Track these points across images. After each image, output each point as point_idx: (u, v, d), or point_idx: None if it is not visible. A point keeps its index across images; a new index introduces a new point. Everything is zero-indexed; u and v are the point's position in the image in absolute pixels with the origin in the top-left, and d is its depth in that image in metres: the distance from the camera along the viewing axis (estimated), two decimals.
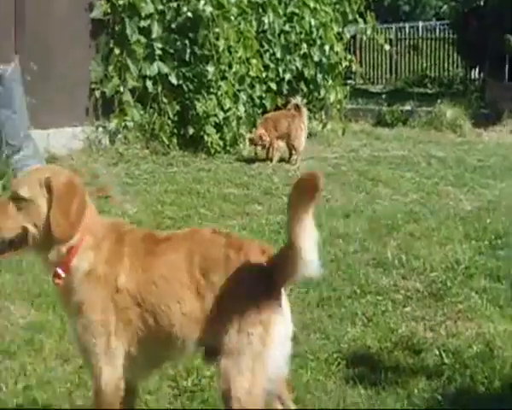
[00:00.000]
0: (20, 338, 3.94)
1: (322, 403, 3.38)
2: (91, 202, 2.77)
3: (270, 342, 2.51)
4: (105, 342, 2.58)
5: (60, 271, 2.62)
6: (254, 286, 2.54)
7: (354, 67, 13.61)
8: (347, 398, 3.42)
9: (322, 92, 11.62)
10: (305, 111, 9.48)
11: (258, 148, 9.27)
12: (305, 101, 10.92)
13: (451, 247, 5.68)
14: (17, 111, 7.19)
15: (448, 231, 6.13)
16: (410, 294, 4.76)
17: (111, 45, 8.91)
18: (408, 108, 13.66)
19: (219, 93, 9.45)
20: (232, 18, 9.62)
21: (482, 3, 14.80)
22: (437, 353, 3.87)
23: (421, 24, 28.38)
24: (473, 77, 17.92)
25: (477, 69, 17.36)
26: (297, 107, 9.43)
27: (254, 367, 2.48)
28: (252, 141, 9.30)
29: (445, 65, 19.23)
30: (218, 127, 9.45)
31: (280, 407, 2.81)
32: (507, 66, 14.66)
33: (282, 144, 9.33)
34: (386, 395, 3.43)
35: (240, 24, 9.93)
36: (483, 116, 13.48)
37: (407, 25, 27.15)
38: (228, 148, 9.58)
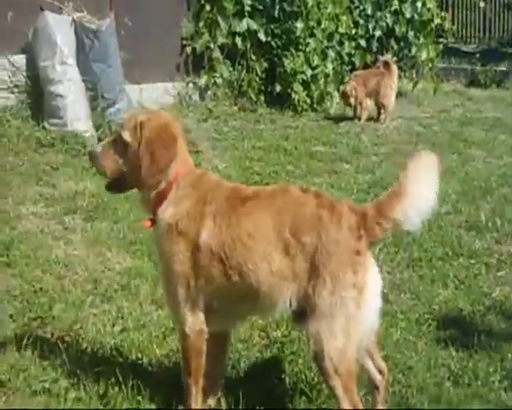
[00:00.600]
0: (116, 283, 4.10)
1: (413, 362, 3.36)
2: (186, 151, 2.81)
3: (364, 304, 2.51)
4: (185, 292, 2.64)
5: (151, 216, 2.71)
6: (348, 248, 2.51)
7: (446, 25, 13.12)
8: (438, 359, 3.39)
9: (414, 50, 11.28)
10: (395, 69, 9.23)
11: (351, 100, 8.99)
12: (395, 59, 10.64)
13: None
14: (112, 65, 7.35)
15: None
16: (504, 258, 4.65)
17: (202, 2, 8.93)
18: (503, 68, 13.07)
19: (307, 50, 9.33)
20: None
21: None
22: None
23: None
24: None
25: None
26: (387, 64, 9.20)
27: (348, 329, 2.48)
28: (343, 94, 9.09)
29: None
30: (306, 85, 9.35)
31: (370, 363, 2.82)
32: None
33: (370, 103, 9.13)
34: (479, 358, 3.37)
35: None
36: None
37: None
38: (315, 106, 9.48)
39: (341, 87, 9.33)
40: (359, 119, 9.03)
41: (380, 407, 2.84)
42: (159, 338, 3.46)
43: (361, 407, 2.53)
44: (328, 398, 2.84)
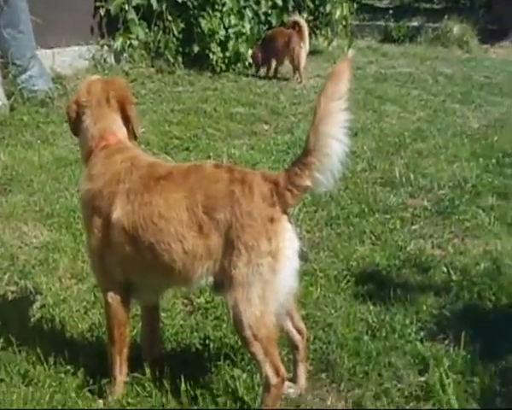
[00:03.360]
0: (34, 259, 4.00)
1: (332, 319, 3.46)
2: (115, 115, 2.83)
3: (279, 270, 2.53)
4: (103, 265, 2.68)
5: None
6: (260, 217, 2.52)
7: None
8: (357, 314, 3.51)
9: (328, 8, 11.33)
10: (305, 28, 9.28)
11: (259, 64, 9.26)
12: (311, 17, 10.70)
13: (459, 165, 5.70)
14: (23, 31, 7.04)
15: (455, 149, 6.13)
16: (418, 212, 4.81)
17: None
18: (415, 24, 13.37)
19: (224, 10, 9.24)
20: None
21: None
22: (445, 270, 3.95)
23: None
24: None
25: None
26: (296, 24, 9.26)
27: (265, 296, 2.52)
28: (254, 61, 9.31)
29: None
30: (224, 45, 9.28)
31: (289, 324, 2.89)
32: None
33: (275, 62, 9.31)
34: (395, 311, 3.50)
35: None
36: (490, 32, 13.21)
37: None
38: (233, 66, 9.44)
39: (249, 53, 9.42)
40: (274, 77, 9.13)
41: (300, 366, 2.93)
42: (80, 313, 3.42)
43: (283, 371, 2.60)
44: (251, 360, 2.90)
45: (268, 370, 2.57)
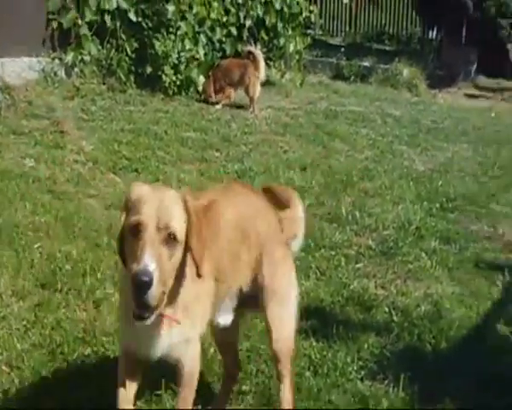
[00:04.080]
0: None
1: None
2: None
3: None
4: None
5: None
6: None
7: (314, 18, 13.49)
8: (300, 349, 3.52)
9: (282, 41, 11.49)
10: (260, 58, 9.39)
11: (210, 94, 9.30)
12: (264, 49, 10.83)
13: (404, 206, 5.82)
14: None
15: (401, 191, 6.27)
16: (363, 250, 4.88)
17: None
18: (366, 64, 13.68)
19: (179, 33, 9.27)
20: None
21: None
22: (387, 310, 4.01)
23: None
24: (430, 37, 17.96)
25: (435, 30, 17.41)
26: (251, 54, 9.37)
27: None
28: (205, 93, 9.34)
29: (404, 23, 19.15)
30: (177, 68, 9.28)
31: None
32: (464, 29, 14.80)
33: (233, 93, 9.35)
34: (338, 348, 3.54)
35: None
36: (438, 77, 13.66)
37: None
38: (186, 90, 9.44)
39: (201, 79, 9.46)
40: (217, 103, 9.17)
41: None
42: (20, 331, 3.32)
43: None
44: None
45: (287, 385, 2.78)
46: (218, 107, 9.13)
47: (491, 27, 14.11)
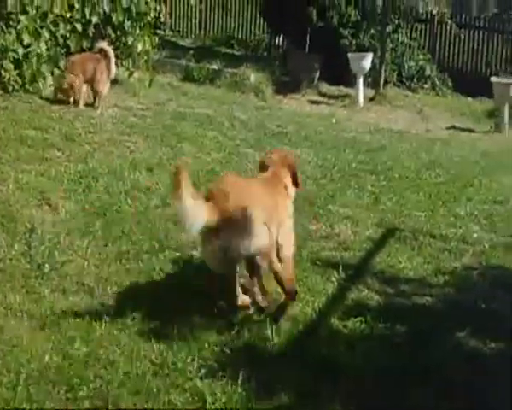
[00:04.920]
0: None
1: (116, 356, 3.42)
2: None
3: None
4: None
5: None
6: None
7: (163, 18, 13.46)
8: (140, 351, 3.50)
9: (130, 40, 11.31)
10: (112, 56, 9.21)
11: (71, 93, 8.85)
12: (112, 47, 10.61)
13: None
14: None
15: None
16: None
17: None
18: (215, 67, 13.82)
19: (19, 27, 8.84)
20: None
21: None
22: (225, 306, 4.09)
23: None
24: (277, 44, 18.52)
25: (281, 37, 17.97)
26: (103, 51, 9.16)
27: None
28: (62, 91, 8.87)
29: (252, 28, 19.62)
30: (17, 63, 8.84)
31: None
32: (308, 38, 15.42)
33: (86, 89, 9.03)
34: (179, 348, 3.56)
35: None
36: (284, 83, 14.12)
37: None
38: (27, 86, 9.01)
39: (51, 82, 9.03)
40: (77, 104, 8.81)
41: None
42: None
43: None
44: None
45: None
46: (79, 107, 8.78)
47: (334, 37, 14.79)
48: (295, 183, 4.42)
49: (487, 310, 4.53)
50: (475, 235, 5.96)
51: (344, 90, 14.12)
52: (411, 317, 4.28)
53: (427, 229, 5.99)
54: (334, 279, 4.72)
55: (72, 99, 8.86)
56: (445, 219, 6.33)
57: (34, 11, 9.04)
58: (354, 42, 14.94)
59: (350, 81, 14.20)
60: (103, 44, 9.36)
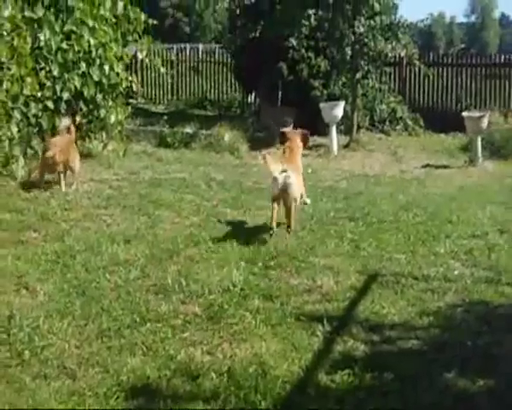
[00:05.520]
0: None
1: None
2: None
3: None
4: None
5: None
6: None
7: (135, 87, 13.61)
8: None
9: (103, 112, 11.43)
10: (73, 130, 9.31)
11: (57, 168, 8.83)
12: (84, 120, 10.71)
13: (228, 268, 5.93)
14: None
15: (225, 254, 6.39)
16: (189, 318, 4.89)
17: None
18: (189, 130, 13.98)
19: None
20: (5, 33, 9.11)
21: (258, 34, 15.62)
22: (213, 376, 4.03)
23: (201, 46, 29.34)
24: (250, 101, 18.82)
25: (253, 94, 18.27)
26: (68, 128, 9.25)
27: None
28: (45, 167, 8.85)
29: (224, 88, 19.95)
30: None
31: None
32: (279, 92, 15.67)
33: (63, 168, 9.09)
34: None
35: (13, 40, 9.43)
36: (259, 139, 14.28)
37: (188, 46, 27.87)
38: (2, 170, 9.04)
39: (21, 164, 9.05)
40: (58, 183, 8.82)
41: None
42: None
43: None
44: None
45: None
46: (74, 188, 8.77)
47: (305, 89, 15.03)
48: (304, 143, 8.01)
49: (473, 347, 4.51)
50: (456, 272, 5.98)
51: (318, 139, 14.28)
52: (398, 363, 4.25)
53: (409, 271, 6.01)
54: (319, 333, 4.69)
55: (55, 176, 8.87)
56: (426, 259, 6.36)
57: (4, 94, 9.13)
58: (325, 92, 15.22)
59: (323, 130, 14.37)
60: (66, 122, 9.43)
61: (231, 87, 19.74)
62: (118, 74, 11.76)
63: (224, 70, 19.62)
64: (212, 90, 19.94)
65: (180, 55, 21.03)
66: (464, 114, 13.60)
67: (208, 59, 20.60)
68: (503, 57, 18.06)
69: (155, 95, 20.32)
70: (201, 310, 5.05)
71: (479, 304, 5.27)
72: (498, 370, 4.21)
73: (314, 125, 14.74)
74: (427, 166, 12.55)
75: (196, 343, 4.51)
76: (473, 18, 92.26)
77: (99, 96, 11.38)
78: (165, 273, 5.77)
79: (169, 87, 20.22)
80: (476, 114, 13.51)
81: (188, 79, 20.25)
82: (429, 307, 5.17)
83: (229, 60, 18.98)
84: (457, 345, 4.52)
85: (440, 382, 4.02)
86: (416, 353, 4.44)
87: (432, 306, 5.21)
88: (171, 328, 4.71)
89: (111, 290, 5.33)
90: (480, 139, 12.72)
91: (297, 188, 7.07)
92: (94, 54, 11.16)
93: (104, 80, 11.42)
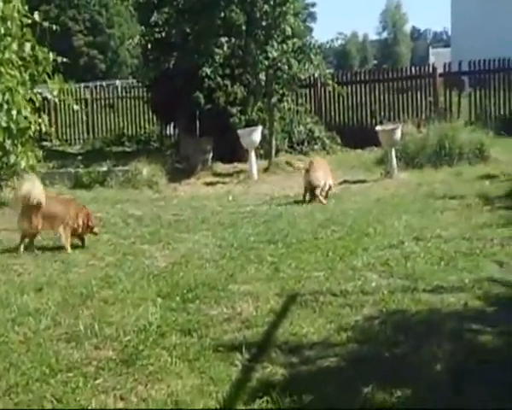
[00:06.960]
0: None
1: None
2: None
3: None
4: None
5: None
6: None
7: (45, 129, 13.28)
8: None
9: (13, 158, 11.07)
10: None
11: None
12: None
13: (145, 307, 5.76)
14: None
15: (142, 292, 6.22)
16: (102, 364, 4.68)
17: None
18: (105, 168, 13.72)
19: None
20: None
21: (171, 66, 15.52)
22: None
23: (118, 82, 29.11)
24: (168, 133, 18.70)
25: (171, 126, 18.16)
26: None
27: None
28: None
29: (142, 123, 19.76)
30: None
31: None
32: (198, 122, 15.63)
33: None
34: None
35: None
36: (178, 171, 14.17)
37: (104, 83, 27.59)
38: None
39: None
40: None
41: None
42: None
43: None
44: None
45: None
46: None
47: (223, 116, 15.03)
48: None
49: (391, 358, 4.51)
50: (373, 284, 6.02)
51: (238, 166, 14.29)
52: (317, 383, 4.19)
53: (327, 287, 6.00)
54: (237, 362, 4.58)
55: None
56: (344, 274, 6.37)
57: None
58: (243, 118, 15.24)
59: (243, 156, 14.41)
60: None
61: (149, 121, 19.56)
62: (26, 118, 11.44)
63: (141, 104, 19.42)
64: (130, 126, 19.71)
65: (95, 92, 20.69)
66: (378, 127, 13.89)
67: (124, 94, 20.37)
68: (413, 69, 18.67)
69: (70, 135, 19.91)
70: (115, 354, 4.85)
71: (395, 314, 5.30)
72: (416, 378, 4.20)
73: (234, 152, 14.85)
74: (345, 182, 12.71)
75: (109, 389, 4.31)
76: (385, 34, 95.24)
77: (8, 143, 11.01)
78: (77, 320, 5.53)
79: (84, 126, 19.85)
80: (389, 126, 13.81)
81: (104, 117, 19.95)
82: (347, 322, 5.15)
83: (145, 94, 18.79)
84: (375, 358, 4.51)
85: (358, 398, 3.98)
86: (334, 370, 4.39)
87: (350, 320, 5.19)
88: (83, 376, 4.50)
89: (20, 343, 5.07)
90: (394, 151, 13.00)
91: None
92: (1, 99, 10.82)
93: (12, 125, 11.07)
